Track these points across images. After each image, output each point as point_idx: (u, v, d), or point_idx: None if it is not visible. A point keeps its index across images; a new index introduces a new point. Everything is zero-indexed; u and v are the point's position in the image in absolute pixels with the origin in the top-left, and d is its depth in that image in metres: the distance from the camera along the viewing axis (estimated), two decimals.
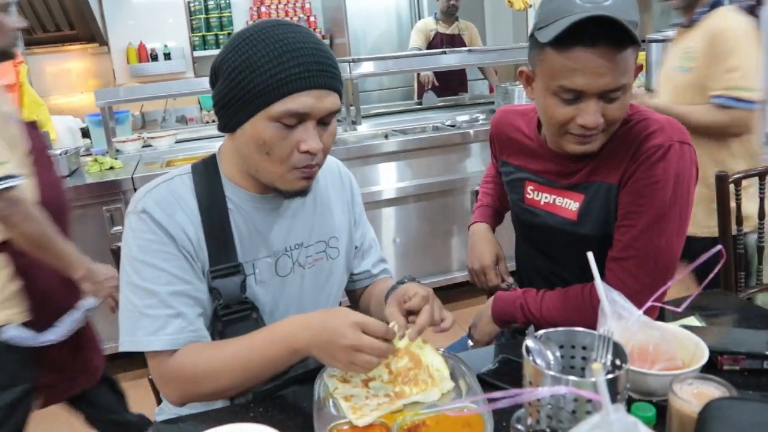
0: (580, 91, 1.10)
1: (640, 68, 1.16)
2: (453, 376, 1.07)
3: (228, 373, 1.04)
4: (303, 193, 1.11)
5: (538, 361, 0.85)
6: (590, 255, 0.97)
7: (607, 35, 1.05)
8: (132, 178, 2.76)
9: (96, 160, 2.94)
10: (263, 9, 5.54)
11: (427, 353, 1.10)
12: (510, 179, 1.47)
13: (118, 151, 3.24)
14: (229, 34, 5.47)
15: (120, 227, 2.77)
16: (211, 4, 5.39)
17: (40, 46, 4.93)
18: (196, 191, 1.11)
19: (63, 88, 5.20)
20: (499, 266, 1.50)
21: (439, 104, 4.28)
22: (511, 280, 1.49)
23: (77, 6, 4.56)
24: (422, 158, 3.21)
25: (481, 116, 3.56)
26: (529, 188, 1.40)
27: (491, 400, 0.68)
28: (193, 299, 1.07)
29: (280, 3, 5.60)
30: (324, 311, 1.02)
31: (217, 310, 1.11)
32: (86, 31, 4.92)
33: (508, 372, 1.09)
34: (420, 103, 4.40)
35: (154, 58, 5.25)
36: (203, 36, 5.41)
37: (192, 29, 5.41)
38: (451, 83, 4.71)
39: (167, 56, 5.28)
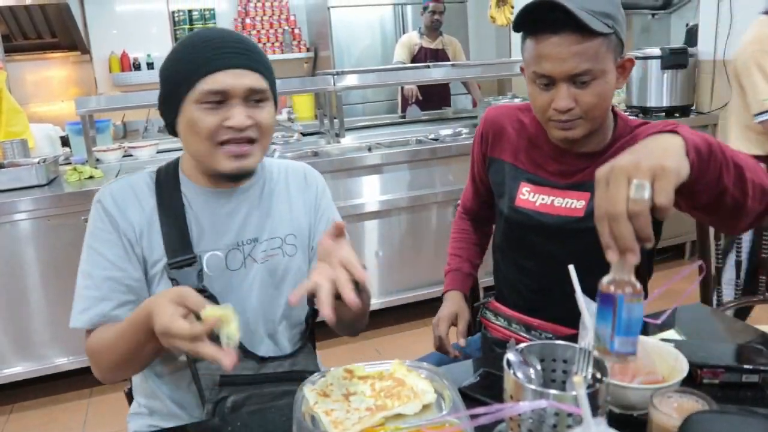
0: (549, 76, 1.18)
1: (629, 63, 1.23)
2: (435, 391, 1.05)
3: (115, 348, 1.08)
4: (239, 175, 1.16)
5: (519, 374, 0.85)
6: (571, 268, 0.96)
7: (572, 23, 1.12)
8: None
9: (75, 169, 2.90)
10: (248, 20, 5.55)
11: (413, 377, 1.09)
12: (499, 180, 1.44)
13: (98, 160, 3.19)
14: None
15: None
16: (195, 14, 5.39)
17: (20, 53, 4.89)
18: (155, 188, 1.19)
19: (43, 96, 5.15)
20: (458, 324, 1.51)
21: (423, 118, 4.30)
22: (463, 342, 1.47)
23: (59, 14, 4.53)
24: (405, 171, 3.21)
25: (464, 130, 3.57)
26: (524, 189, 1.38)
27: (473, 416, 0.67)
28: (125, 287, 1.14)
29: (264, 15, 5.61)
30: (153, 299, 1.00)
31: None
32: (68, 39, 4.89)
33: (488, 386, 1.09)
34: (404, 117, 4.41)
35: (137, 67, 5.23)
36: None
37: (176, 39, 5.39)
38: (434, 97, 4.74)
39: (150, 66, 5.26)
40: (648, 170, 0.76)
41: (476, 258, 1.65)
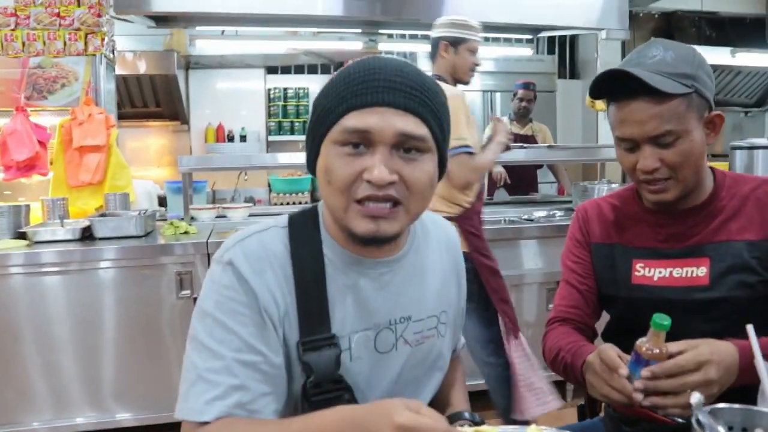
0: (631, 138, 1.19)
1: (719, 119, 1.21)
2: None
3: None
4: (374, 240, 0.92)
5: None
6: (750, 328, 0.87)
7: (647, 88, 1.12)
8: (207, 242, 2.73)
9: (172, 224, 2.95)
10: None
11: None
12: (606, 265, 1.36)
13: (192, 218, 3.25)
14: (304, 122, 5.65)
15: (188, 291, 2.71)
16: (290, 92, 5.61)
17: (125, 120, 5.18)
18: (291, 248, 0.97)
19: (141, 160, 5.39)
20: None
21: (510, 200, 4.22)
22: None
23: (167, 84, 4.81)
24: (500, 249, 3.10)
25: (559, 212, 3.46)
26: (638, 266, 1.30)
27: None
28: (262, 374, 0.91)
29: None
30: (369, 406, 0.82)
31: (307, 388, 0.94)
32: (171, 109, 5.16)
33: None
34: (491, 199, 4.34)
35: (231, 139, 5.43)
36: (279, 122, 5.60)
37: (269, 115, 5.61)
38: (522, 183, 4.66)
39: (243, 138, 5.46)
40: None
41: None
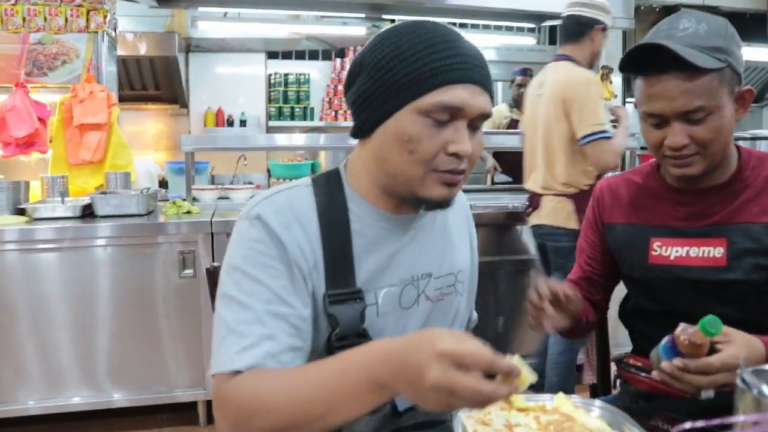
0: (660, 114, 1.15)
1: (748, 94, 1.19)
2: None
3: (288, 406, 0.82)
4: (444, 204, 0.97)
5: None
6: None
7: (679, 62, 1.09)
8: (211, 221, 2.70)
9: (174, 203, 2.91)
10: (340, 87, 5.70)
11: (581, 414, 0.95)
12: (623, 244, 1.34)
13: (195, 199, 3.22)
14: (305, 108, 5.61)
15: (191, 270, 2.68)
16: (291, 77, 5.57)
17: (123, 102, 5.12)
18: (317, 204, 0.98)
19: (138, 145, 5.33)
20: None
21: (509, 187, 4.20)
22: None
23: (167, 66, 4.76)
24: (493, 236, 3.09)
25: None
26: (655, 245, 1.28)
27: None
28: (292, 327, 0.91)
29: None
30: (407, 337, 0.78)
31: (332, 340, 0.95)
32: (170, 92, 5.11)
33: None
34: (494, 183, 4.33)
35: (231, 123, 5.39)
36: (280, 107, 5.56)
37: (270, 100, 5.57)
38: (517, 173, 4.64)
39: (243, 123, 5.42)
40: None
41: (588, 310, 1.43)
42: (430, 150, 0.91)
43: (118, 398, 2.66)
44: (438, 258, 1.09)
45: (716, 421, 0.65)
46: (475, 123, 0.93)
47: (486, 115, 0.94)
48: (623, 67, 1.18)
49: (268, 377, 0.86)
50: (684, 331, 0.98)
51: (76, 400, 2.64)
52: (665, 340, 1.02)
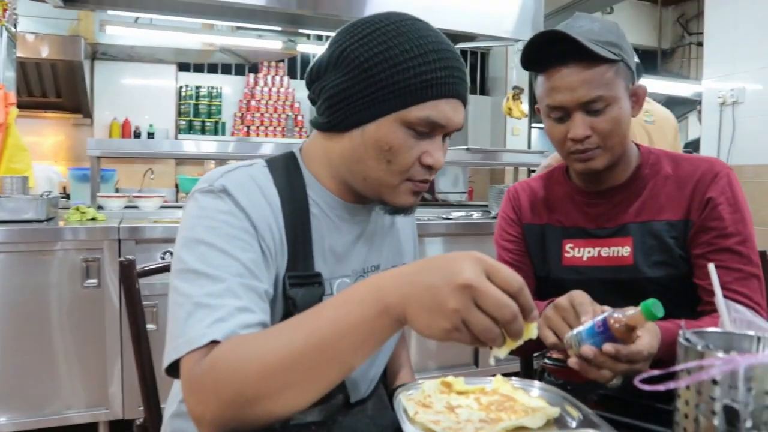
0: (561, 106, 1.18)
1: (641, 90, 1.24)
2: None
3: (289, 356, 0.71)
4: (409, 210, 0.99)
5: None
6: (711, 267, 0.90)
7: (578, 53, 1.14)
8: (119, 227, 2.55)
9: (78, 209, 2.74)
10: (252, 103, 5.62)
11: (521, 395, 0.97)
12: (539, 244, 1.38)
13: (100, 207, 3.04)
14: (216, 122, 5.49)
15: (95, 280, 2.52)
16: (203, 90, 5.44)
17: (20, 110, 4.80)
18: (276, 184, 0.94)
19: (35, 156, 4.97)
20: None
21: (426, 203, 4.26)
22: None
23: (70, 72, 4.51)
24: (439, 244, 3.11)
25: (476, 214, 3.54)
26: (568, 246, 1.33)
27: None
28: (264, 303, 0.85)
29: (270, 99, 5.70)
30: (426, 260, 0.72)
31: None
32: (73, 100, 4.85)
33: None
34: None
35: (137, 135, 5.18)
36: (190, 121, 5.42)
37: (180, 113, 5.41)
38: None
39: (150, 135, 5.22)
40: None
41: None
42: (408, 162, 0.92)
43: (3, 422, 2.42)
44: (386, 252, 1.10)
45: (673, 369, 0.69)
46: (449, 135, 0.96)
47: (459, 130, 0.96)
48: (525, 62, 1.22)
49: (253, 338, 0.77)
50: (621, 315, 0.91)
51: None
52: (591, 323, 0.97)
